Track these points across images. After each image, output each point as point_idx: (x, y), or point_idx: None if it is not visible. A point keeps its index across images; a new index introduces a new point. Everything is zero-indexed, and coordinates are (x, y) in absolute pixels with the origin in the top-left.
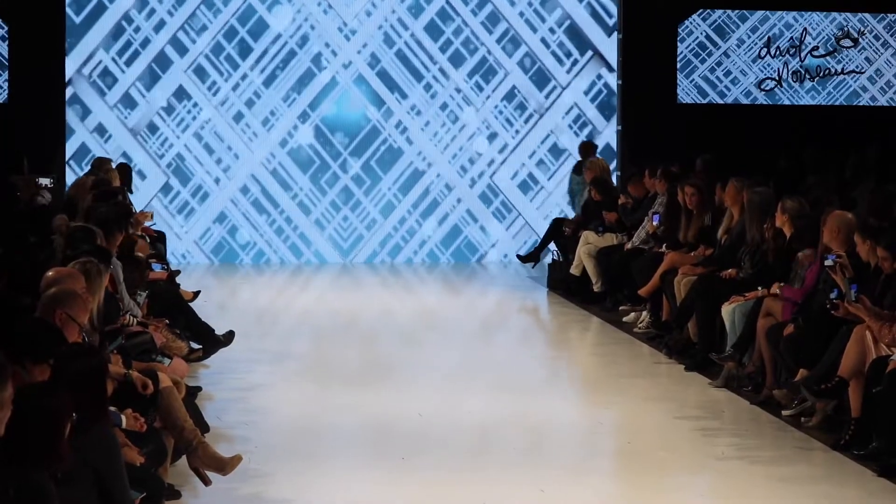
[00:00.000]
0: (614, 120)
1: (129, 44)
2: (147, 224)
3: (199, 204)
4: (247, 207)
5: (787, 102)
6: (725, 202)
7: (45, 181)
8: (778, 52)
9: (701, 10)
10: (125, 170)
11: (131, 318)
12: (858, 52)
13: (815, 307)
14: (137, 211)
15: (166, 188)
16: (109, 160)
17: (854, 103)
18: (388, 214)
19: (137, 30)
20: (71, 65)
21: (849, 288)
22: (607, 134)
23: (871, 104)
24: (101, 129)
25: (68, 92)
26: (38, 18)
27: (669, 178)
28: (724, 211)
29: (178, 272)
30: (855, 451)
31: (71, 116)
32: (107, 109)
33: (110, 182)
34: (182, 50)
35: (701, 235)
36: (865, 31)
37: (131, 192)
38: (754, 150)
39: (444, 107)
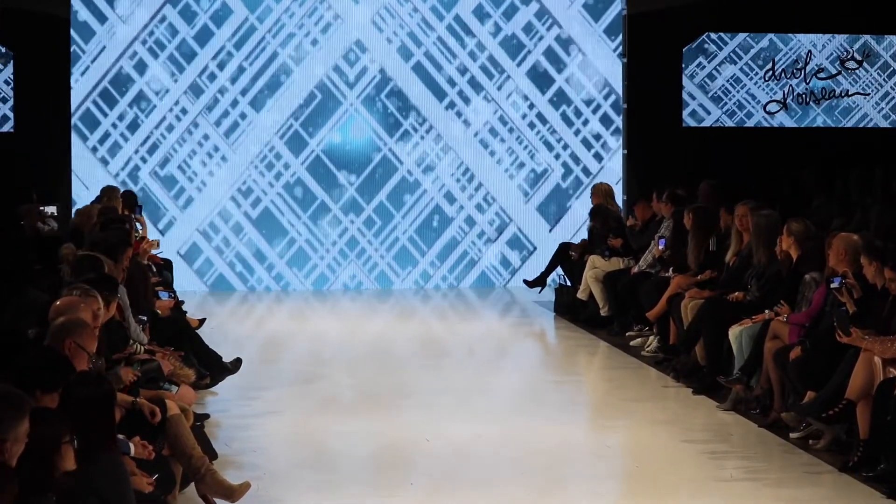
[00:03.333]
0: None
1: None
2: (153, 252)
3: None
4: (239, 248)
5: (791, 125)
6: (735, 225)
7: (50, 209)
8: (783, 75)
9: (706, 34)
10: (131, 197)
11: (138, 345)
12: (875, 72)
13: (822, 330)
14: (146, 239)
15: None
16: (117, 188)
17: (860, 125)
18: (404, 264)
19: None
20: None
21: (844, 317)
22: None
23: (877, 125)
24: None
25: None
26: (44, 46)
27: (676, 201)
28: (729, 235)
29: (182, 301)
30: (864, 473)
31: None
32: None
33: (116, 210)
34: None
35: (706, 259)
36: (872, 53)
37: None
38: (760, 173)
39: (462, 128)
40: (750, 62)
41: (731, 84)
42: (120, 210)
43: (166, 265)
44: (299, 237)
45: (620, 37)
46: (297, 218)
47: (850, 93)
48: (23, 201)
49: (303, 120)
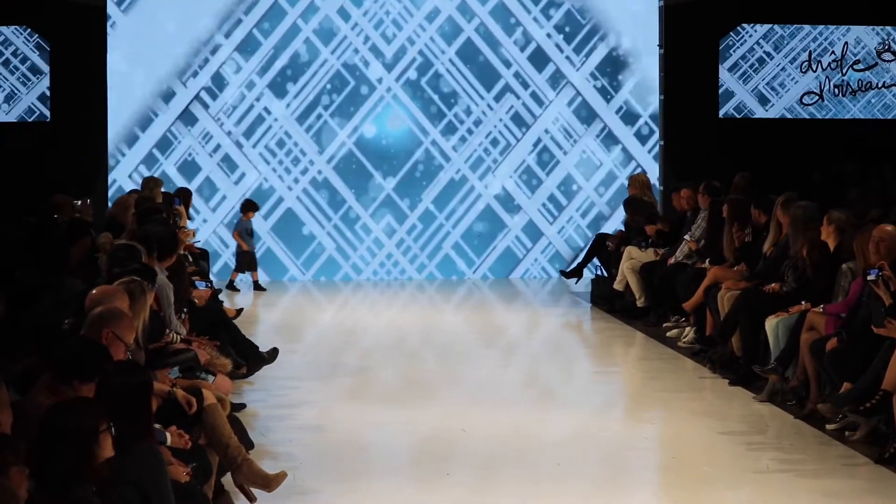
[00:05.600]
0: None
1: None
2: (190, 241)
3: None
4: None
5: (829, 116)
6: (776, 216)
7: (77, 203)
8: (819, 66)
9: (742, 25)
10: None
11: (175, 335)
12: None
13: (859, 321)
14: (183, 229)
15: None
16: (158, 179)
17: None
18: (448, 272)
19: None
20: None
21: (879, 310)
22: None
23: None
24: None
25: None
26: (80, 35)
27: (712, 192)
28: (764, 227)
29: (220, 290)
30: None
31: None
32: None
33: (153, 200)
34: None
35: (741, 251)
36: None
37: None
38: (797, 165)
39: (518, 120)
40: (786, 53)
41: (766, 74)
42: (159, 200)
43: (202, 255)
44: (328, 245)
45: None
46: (327, 220)
47: (888, 84)
48: (58, 191)
49: (332, 109)
